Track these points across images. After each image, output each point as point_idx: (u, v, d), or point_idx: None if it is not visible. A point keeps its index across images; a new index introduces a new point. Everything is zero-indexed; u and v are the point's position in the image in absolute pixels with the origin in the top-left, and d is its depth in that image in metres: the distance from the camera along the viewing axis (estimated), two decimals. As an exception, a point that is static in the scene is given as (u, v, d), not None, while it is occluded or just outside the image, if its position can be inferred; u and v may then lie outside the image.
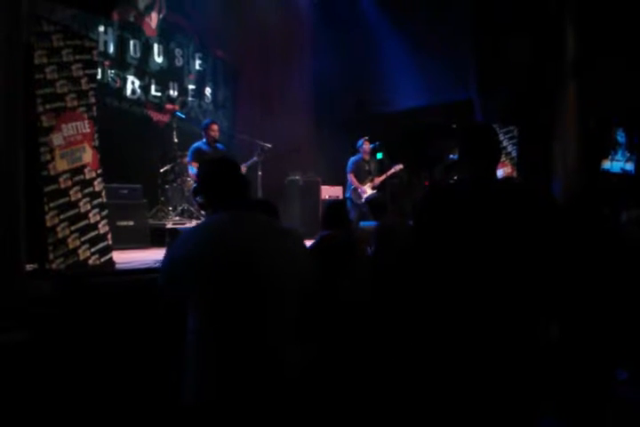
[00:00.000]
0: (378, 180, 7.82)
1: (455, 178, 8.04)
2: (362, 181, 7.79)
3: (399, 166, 7.87)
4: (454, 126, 8.52)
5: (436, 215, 2.33)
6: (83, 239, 4.41)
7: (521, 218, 2.20)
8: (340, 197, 8.69)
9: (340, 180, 8.62)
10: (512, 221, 2.19)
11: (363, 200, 7.73)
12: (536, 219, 2.20)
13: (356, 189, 7.78)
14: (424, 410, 2.29)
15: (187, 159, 6.86)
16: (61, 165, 4.32)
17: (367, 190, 7.77)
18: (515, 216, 2.21)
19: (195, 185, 6.56)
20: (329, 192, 9.01)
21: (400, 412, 2.69)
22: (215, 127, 6.75)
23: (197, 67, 9.72)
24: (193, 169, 6.60)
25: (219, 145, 6.78)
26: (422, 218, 2.40)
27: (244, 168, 6.58)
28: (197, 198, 6.40)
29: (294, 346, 1.98)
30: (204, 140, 6.74)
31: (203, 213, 6.86)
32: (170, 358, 2.03)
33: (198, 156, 6.54)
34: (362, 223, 6.83)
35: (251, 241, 1.97)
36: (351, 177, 7.83)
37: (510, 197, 2.27)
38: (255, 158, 7.27)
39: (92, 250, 4.50)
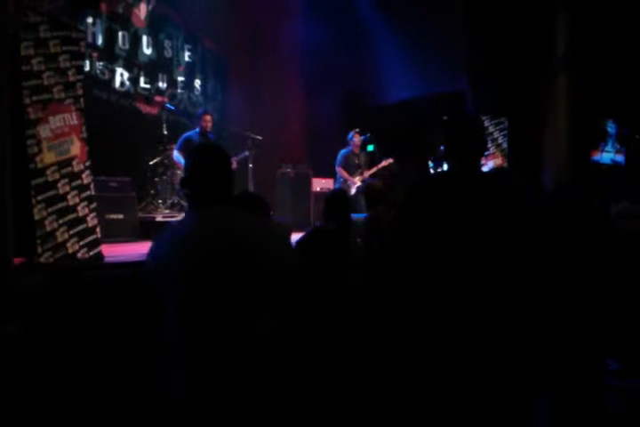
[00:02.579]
0: (367, 173, 7.80)
1: (440, 170, 8.07)
2: (351, 175, 7.77)
3: (389, 160, 7.85)
4: (445, 118, 8.50)
5: (416, 209, 2.32)
6: (71, 232, 4.38)
7: (502, 210, 2.20)
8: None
9: (331, 172, 8.61)
10: (493, 213, 2.19)
11: (352, 193, 7.72)
12: (518, 211, 2.20)
13: (345, 182, 7.76)
14: (416, 399, 2.29)
15: (175, 146, 6.83)
16: (49, 157, 4.28)
17: (357, 183, 7.75)
18: (497, 208, 2.21)
19: (182, 175, 6.54)
20: (320, 184, 9.00)
21: (391, 400, 2.70)
22: (208, 118, 6.74)
23: (187, 58, 9.65)
24: (179, 157, 6.58)
25: (210, 135, 6.75)
26: (403, 211, 2.40)
27: (234, 162, 6.56)
28: (183, 190, 6.40)
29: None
30: (197, 129, 6.71)
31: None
32: (153, 354, 2.01)
33: (187, 145, 6.54)
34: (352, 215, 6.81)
35: (222, 239, 1.92)
36: (340, 170, 7.81)
37: (492, 189, 2.27)
38: (246, 153, 7.24)
39: (81, 243, 4.47)
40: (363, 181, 7.80)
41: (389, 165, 7.86)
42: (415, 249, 2.30)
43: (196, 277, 1.87)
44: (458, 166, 2.33)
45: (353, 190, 7.73)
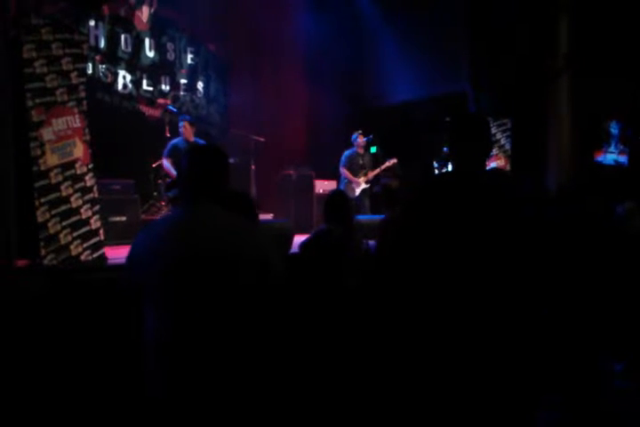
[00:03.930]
0: (372, 174, 7.79)
1: (444, 171, 8.05)
2: (355, 176, 7.77)
3: (393, 160, 7.84)
4: (448, 119, 8.48)
5: (420, 210, 2.31)
6: (74, 235, 4.37)
7: (504, 212, 2.18)
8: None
9: (334, 174, 8.60)
10: (495, 214, 2.18)
11: (357, 194, 7.71)
12: (519, 214, 2.18)
13: (349, 183, 7.75)
14: (416, 400, 2.28)
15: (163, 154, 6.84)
16: (52, 159, 4.28)
17: (361, 184, 7.75)
18: (498, 210, 2.19)
19: (169, 180, 6.53)
20: (323, 186, 8.99)
21: (391, 401, 2.69)
22: (187, 125, 6.68)
23: (189, 61, 9.66)
24: (168, 165, 6.58)
25: (197, 140, 6.71)
26: (407, 213, 2.39)
27: None
28: (169, 193, 6.41)
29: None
30: (181, 137, 6.70)
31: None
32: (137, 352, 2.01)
33: (174, 152, 6.54)
34: (356, 217, 6.80)
35: (194, 239, 1.92)
36: (344, 171, 7.80)
37: (495, 190, 2.25)
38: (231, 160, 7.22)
39: (84, 246, 4.46)
40: (367, 182, 7.79)
41: (393, 165, 7.85)
42: (418, 250, 2.29)
43: (176, 275, 1.87)
44: (462, 168, 2.32)
45: (357, 191, 7.72)
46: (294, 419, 2.14)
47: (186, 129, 6.65)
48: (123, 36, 8.38)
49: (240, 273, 1.91)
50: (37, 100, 4.20)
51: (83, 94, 4.64)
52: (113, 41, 8.20)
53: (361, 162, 7.86)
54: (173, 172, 6.43)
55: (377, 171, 7.82)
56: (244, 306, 1.91)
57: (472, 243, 2.16)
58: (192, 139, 6.69)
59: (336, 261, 3.42)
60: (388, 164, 7.83)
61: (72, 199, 4.39)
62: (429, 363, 2.19)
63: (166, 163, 6.58)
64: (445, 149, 8.05)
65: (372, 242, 4.02)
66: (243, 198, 2.87)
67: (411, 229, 2.33)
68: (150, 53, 8.90)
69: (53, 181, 4.27)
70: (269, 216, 7.96)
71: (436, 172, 8.51)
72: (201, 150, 2.14)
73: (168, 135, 7.82)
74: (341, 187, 7.90)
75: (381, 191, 6.01)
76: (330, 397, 2.90)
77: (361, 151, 7.89)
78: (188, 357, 1.84)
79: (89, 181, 4.60)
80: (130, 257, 2.01)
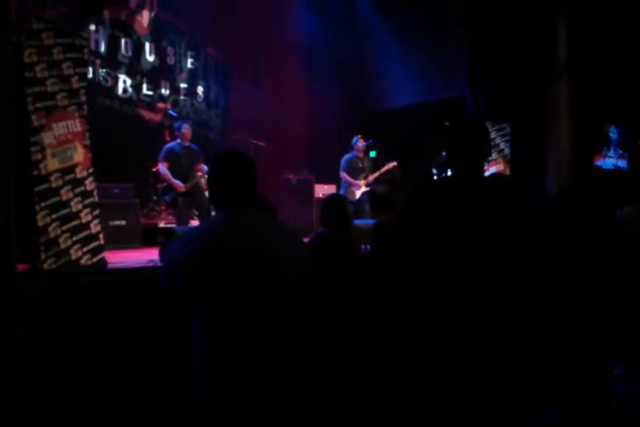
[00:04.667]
0: (372, 176, 7.80)
1: (444, 175, 8.06)
2: (355, 179, 7.77)
3: (393, 163, 7.85)
4: (446, 124, 8.49)
5: (417, 214, 2.32)
6: (74, 239, 4.38)
7: (501, 218, 2.19)
8: (334, 194, 8.65)
9: (333, 178, 8.60)
10: (494, 218, 2.18)
11: (357, 197, 7.72)
12: (518, 218, 2.19)
13: (349, 187, 7.76)
14: (417, 401, 2.28)
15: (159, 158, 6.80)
16: (52, 164, 4.29)
17: (362, 187, 7.76)
18: (497, 214, 2.19)
19: (164, 185, 6.51)
20: (322, 190, 8.99)
21: (392, 401, 2.69)
22: (187, 128, 6.64)
23: (189, 65, 9.67)
24: (163, 168, 6.53)
25: (192, 145, 6.69)
26: (404, 217, 2.39)
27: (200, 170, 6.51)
28: (166, 197, 6.40)
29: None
30: (178, 140, 6.66)
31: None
32: (173, 359, 2.03)
33: (169, 156, 6.50)
34: (355, 221, 6.81)
35: (254, 241, 1.98)
36: (344, 175, 7.81)
37: (494, 194, 2.26)
38: None
39: (84, 250, 4.47)
40: (367, 185, 7.79)
41: (393, 168, 7.86)
42: (415, 254, 2.29)
43: (232, 276, 1.90)
44: (460, 172, 2.33)
45: (358, 195, 7.72)
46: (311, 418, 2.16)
47: (187, 132, 6.63)
48: (123, 41, 8.40)
49: (293, 272, 2.00)
50: (38, 105, 4.22)
51: (83, 99, 4.65)
52: (113, 45, 8.23)
53: (360, 165, 7.86)
54: (169, 176, 6.40)
55: (377, 174, 7.82)
56: (298, 305, 2.00)
57: (471, 247, 2.16)
58: (187, 143, 6.65)
59: (334, 264, 3.42)
60: (387, 166, 7.84)
61: (72, 203, 4.40)
62: (429, 363, 2.19)
63: (162, 167, 6.55)
64: (444, 153, 8.07)
65: (364, 246, 4.03)
66: (265, 202, 2.92)
67: (408, 233, 2.33)
68: (150, 58, 8.92)
69: (54, 185, 4.28)
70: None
71: (435, 176, 8.51)
72: (232, 156, 2.16)
73: (168, 139, 7.82)
74: (342, 191, 7.89)
75: (370, 197, 6.03)
76: (334, 396, 2.90)
77: (360, 155, 7.90)
78: (254, 357, 1.89)
79: (89, 185, 4.61)
80: (173, 265, 1.99)
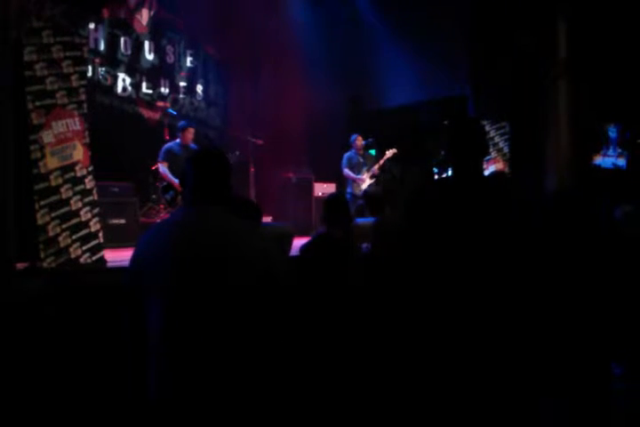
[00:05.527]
0: (375, 168, 7.81)
1: (445, 175, 8.08)
2: (358, 174, 7.79)
3: (393, 150, 7.87)
4: (446, 122, 8.50)
5: (419, 214, 2.32)
6: (74, 237, 4.38)
7: (500, 216, 2.19)
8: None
9: (333, 176, 8.60)
10: (493, 217, 2.19)
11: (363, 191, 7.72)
12: (517, 217, 2.19)
13: (354, 182, 7.78)
14: (418, 400, 2.28)
15: (158, 158, 6.82)
16: (52, 162, 4.29)
17: (366, 180, 7.76)
18: (497, 212, 2.20)
19: (165, 184, 6.52)
20: (322, 189, 8.99)
21: (393, 401, 2.69)
22: (191, 130, 6.70)
23: (189, 64, 9.67)
24: (163, 168, 6.55)
25: (192, 146, 6.70)
26: (407, 216, 2.40)
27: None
28: (166, 196, 6.41)
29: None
30: (178, 141, 6.68)
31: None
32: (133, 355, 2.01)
33: (168, 156, 6.53)
34: (357, 220, 6.81)
35: (191, 238, 1.92)
36: (347, 172, 7.83)
37: (494, 193, 2.26)
38: (237, 152, 7.26)
39: (84, 248, 4.47)
40: (371, 177, 7.80)
41: (393, 155, 7.85)
42: (419, 253, 2.30)
43: (179, 275, 1.87)
44: (459, 171, 2.33)
45: (364, 188, 7.72)
46: (299, 419, 2.15)
47: (190, 136, 6.64)
48: (122, 39, 8.39)
49: (241, 274, 1.91)
50: (37, 103, 4.22)
51: (83, 97, 4.65)
52: (113, 44, 8.21)
53: (361, 160, 7.88)
54: (169, 175, 6.41)
55: (379, 163, 7.83)
56: (246, 307, 1.90)
57: (472, 246, 2.17)
58: (189, 144, 6.67)
59: (336, 263, 3.42)
60: (388, 154, 7.86)
61: (72, 202, 4.40)
62: (430, 363, 2.20)
63: (162, 167, 6.55)
64: (443, 152, 8.07)
65: (365, 245, 4.03)
66: (250, 206, 2.89)
67: (410, 232, 2.33)
68: (150, 56, 8.91)
69: (53, 183, 4.28)
70: (268, 219, 7.96)
71: (436, 175, 8.52)
72: (204, 155, 2.16)
73: (167, 138, 7.82)
74: (348, 188, 7.90)
75: (364, 199, 6.03)
76: (333, 396, 2.91)
77: (360, 152, 7.92)
78: (190, 357, 1.84)
79: (89, 183, 4.61)
80: (133, 259, 2.01)
